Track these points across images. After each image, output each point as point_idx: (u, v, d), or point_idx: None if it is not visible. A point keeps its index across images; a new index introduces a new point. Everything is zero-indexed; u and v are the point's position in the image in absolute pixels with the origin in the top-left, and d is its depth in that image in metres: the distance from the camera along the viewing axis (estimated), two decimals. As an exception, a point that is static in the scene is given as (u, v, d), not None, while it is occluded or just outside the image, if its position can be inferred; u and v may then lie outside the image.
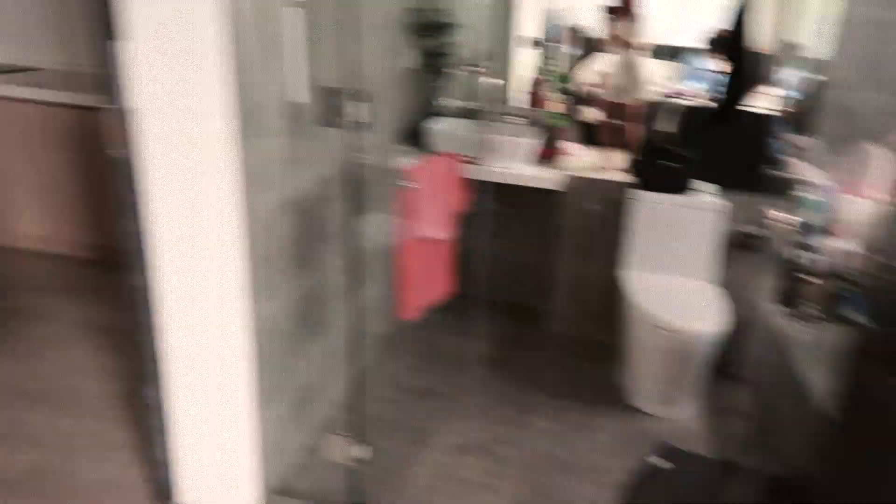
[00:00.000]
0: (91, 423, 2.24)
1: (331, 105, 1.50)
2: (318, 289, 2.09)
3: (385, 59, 2.45)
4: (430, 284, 2.48)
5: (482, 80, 2.92)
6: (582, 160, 2.72)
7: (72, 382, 2.44)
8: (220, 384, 1.73)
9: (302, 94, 1.76)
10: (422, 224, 2.29)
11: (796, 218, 1.98)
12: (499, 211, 2.71)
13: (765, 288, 2.20)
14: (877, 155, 1.87)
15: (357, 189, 1.87)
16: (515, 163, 2.69)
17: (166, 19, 1.43)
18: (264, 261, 1.73)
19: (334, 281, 2.19)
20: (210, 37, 1.42)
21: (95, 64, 1.49)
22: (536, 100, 2.94)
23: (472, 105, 3.01)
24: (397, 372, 2.63)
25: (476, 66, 2.94)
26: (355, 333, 2.06)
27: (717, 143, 2.60)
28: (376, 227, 2.35)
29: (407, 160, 2.59)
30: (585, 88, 2.83)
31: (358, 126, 1.52)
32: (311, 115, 1.77)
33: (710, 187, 2.61)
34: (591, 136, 2.81)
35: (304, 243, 1.96)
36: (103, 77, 1.50)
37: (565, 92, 2.88)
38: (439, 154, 2.62)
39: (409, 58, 2.76)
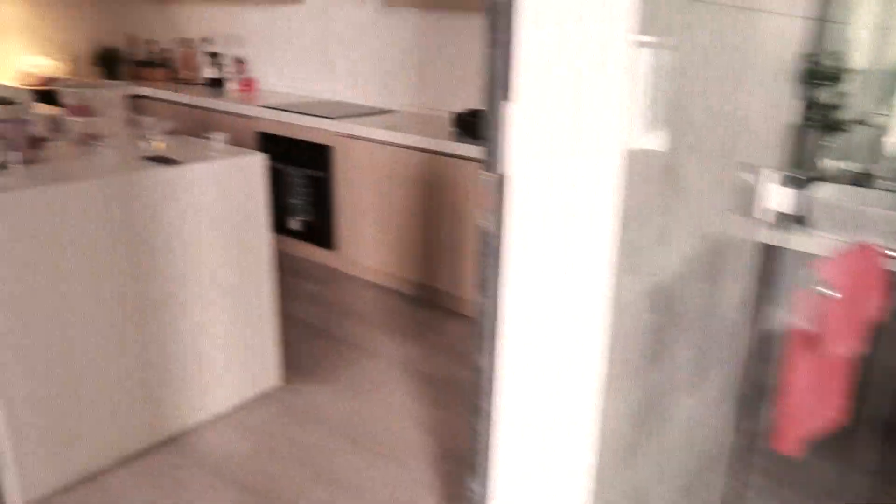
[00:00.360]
0: (409, 483, 2.17)
1: (745, 187, 1.17)
2: (662, 387, 1.75)
3: (768, 113, 2.04)
4: (820, 410, 1.97)
5: (877, 136, 2.33)
6: None
7: (392, 429, 2.44)
8: (550, 497, 1.49)
9: (676, 157, 1.46)
10: (827, 336, 1.81)
11: None
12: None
13: None
14: None
15: (730, 271, 1.50)
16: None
17: (563, 77, 1.23)
18: (619, 358, 1.46)
19: (680, 378, 1.83)
20: (607, 99, 1.19)
21: (483, 126, 1.37)
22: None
23: (865, 169, 2.42)
24: (747, 498, 2.15)
25: (869, 120, 2.35)
26: (696, 442, 1.69)
27: None
28: (746, 318, 1.94)
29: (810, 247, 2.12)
30: None
31: (781, 218, 1.17)
32: (691, 186, 1.46)
33: None
34: None
35: (660, 335, 1.65)
36: (485, 140, 1.36)
37: None
38: (856, 244, 2.09)
39: (792, 111, 2.30)
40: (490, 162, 1.36)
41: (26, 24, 4.54)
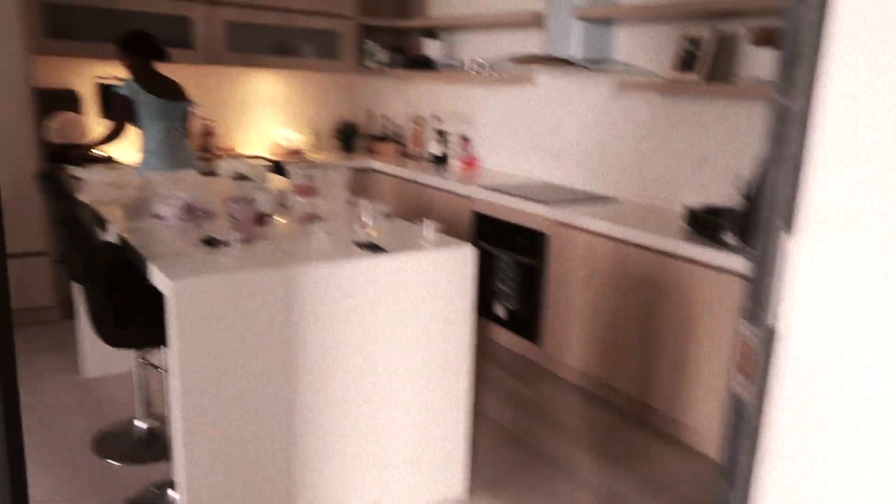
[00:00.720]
0: None
1: None
2: None
3: None
4: None
5: None
6: None
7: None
8: None
9: None
10: None
11: None
12: None
13: None
14: None
15: None
16: None
17: (882, 202, 0.89)
18: None
19: None
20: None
21: (745, 258, 1.05)
22: None
23: None
24: None
25: None
26: None
27: None
28: None
29: None
30: None
31: None
32: None
33: None
34: None
35: None
36: (751, 281, 1.04)
37: None
38: None
39: None
40: (755, 310, 1.02)
41: (281, 98, 5.00)
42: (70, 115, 3.85)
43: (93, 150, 3.66)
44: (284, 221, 2.39)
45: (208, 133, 4.57)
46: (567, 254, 3.32)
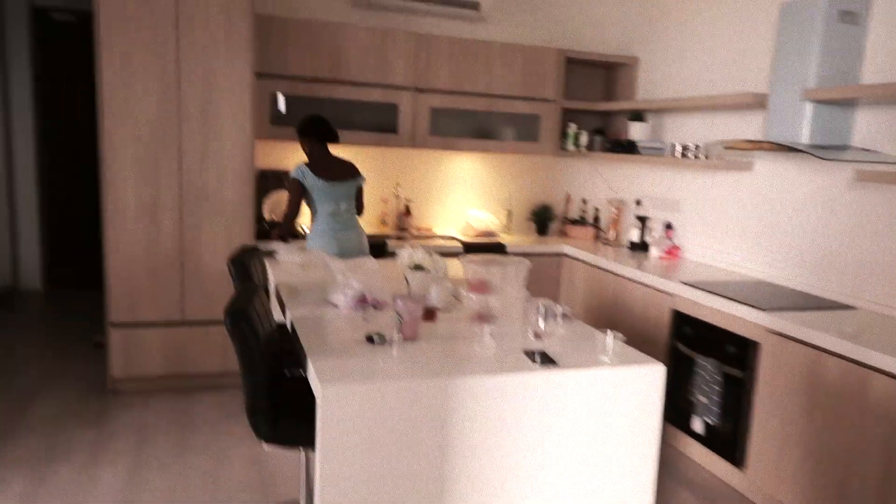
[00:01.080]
0: None
1: None
2: None
3: None
4: None
5: None
6: None
7: None
8: None
9: None
10: None
11: None
12: None
13: None
14: None
15: None
16: None
17: None
18: None
19: None
20: None
21: None
22: None
23: None
24: None
25: None
26: None
27: None
28: None
29: None
30: None
31: None
32: None
33: None
34: None
35: None
36: None
37: None
38: None
39: None
40: None
41: (478, 179, 5.01)
42: (282, 193, 4.16)
43: (296, 227, 3.88)
44: (455, 315, 2.26)
45: (405, 212, 4.68)
46: (783, 369, 2.81)
